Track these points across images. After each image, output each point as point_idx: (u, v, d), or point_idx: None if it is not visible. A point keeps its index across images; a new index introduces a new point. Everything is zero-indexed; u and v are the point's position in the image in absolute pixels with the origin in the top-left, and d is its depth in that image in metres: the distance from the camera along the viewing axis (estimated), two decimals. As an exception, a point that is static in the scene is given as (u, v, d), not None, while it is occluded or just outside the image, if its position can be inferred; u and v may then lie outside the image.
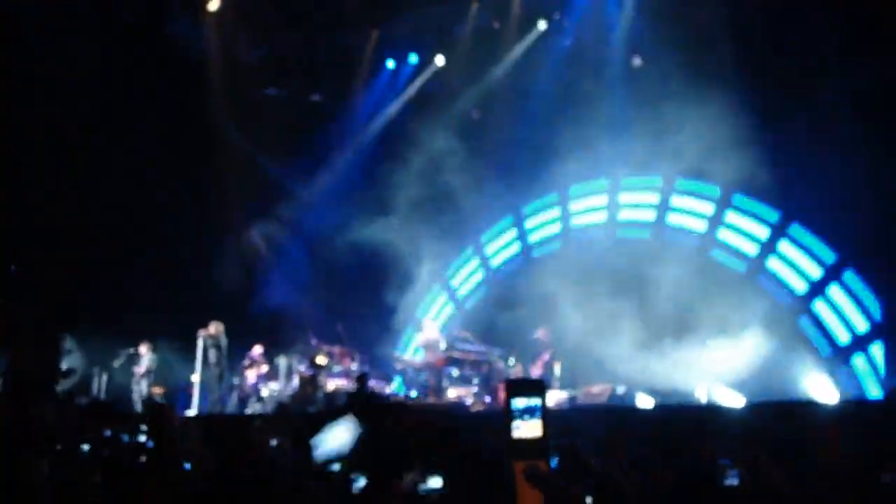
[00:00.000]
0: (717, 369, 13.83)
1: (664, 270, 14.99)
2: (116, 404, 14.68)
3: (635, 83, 16.19)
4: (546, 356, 15.17)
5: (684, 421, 10.35)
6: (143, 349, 16.63)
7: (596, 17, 16.78)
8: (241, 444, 6.74)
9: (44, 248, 16.27)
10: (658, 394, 13.62)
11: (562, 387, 14.54)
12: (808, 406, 10.78)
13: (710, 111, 14.17)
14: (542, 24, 17.59)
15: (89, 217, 16.78)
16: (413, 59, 19.28)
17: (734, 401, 12.68)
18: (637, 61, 16.67)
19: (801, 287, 15.17)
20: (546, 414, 4.86)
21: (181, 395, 16.78)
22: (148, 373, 16.56)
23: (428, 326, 15.68)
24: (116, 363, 16.63)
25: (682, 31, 15.34)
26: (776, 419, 8.85)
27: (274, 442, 6.75)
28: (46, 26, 15.70)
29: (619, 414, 12.19)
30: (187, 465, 5.86)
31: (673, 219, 16.88)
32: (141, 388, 16.51)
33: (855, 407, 10.42)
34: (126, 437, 7.59)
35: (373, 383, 15.49)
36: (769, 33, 14.76)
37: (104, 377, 16.75)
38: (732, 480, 4.90)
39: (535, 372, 15.11)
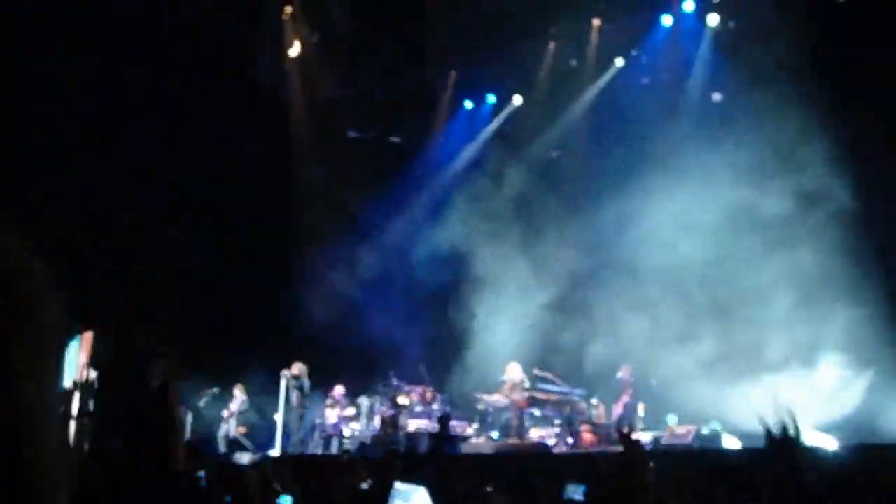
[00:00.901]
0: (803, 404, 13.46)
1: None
2: (203, 445, 14.85)
3: (714, 117, 16.02)
4: (627, 396, 14.99)
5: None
6: (237, 391, 16.80)
7: (674, 53, 16.69)
8: (328, 481, 6.79)
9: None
10: (744, 434, 13.31)
11: (646, 427, 14.34)
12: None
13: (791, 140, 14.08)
14: (619, 62, 17.54)
15: (177, 257, 17.15)
16: (491, 99, 19.36)
17: (825, 443, 12.29)
18: (717, 96, 16.52)
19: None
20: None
21: (264, 434, 16.93)
22: (237, 414, 16.73)
23: (511, 366, 15.61)
24: (202, 402, 16.79)
25: (762, 64, 15.20)
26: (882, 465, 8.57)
27: (365, 485, 6.78)
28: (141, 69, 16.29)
29: (706, 455, 11.97)
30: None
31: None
32: (228, 429, 16.67)
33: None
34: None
35: (454, 424, 15.43)
36: (850, 62, 14.50)
37: (189, 417, 16.95)
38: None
39: (617, 412, 14.94)
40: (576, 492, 6.05)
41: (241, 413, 16.76)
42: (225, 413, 16.78)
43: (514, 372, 15.46)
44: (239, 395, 16.80)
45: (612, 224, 18.09)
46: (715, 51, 16.30)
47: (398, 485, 4.77)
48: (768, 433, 3.39)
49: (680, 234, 15.54)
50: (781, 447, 3.37)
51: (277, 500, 6.58)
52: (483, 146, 19.94)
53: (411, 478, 6.57)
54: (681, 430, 13.86)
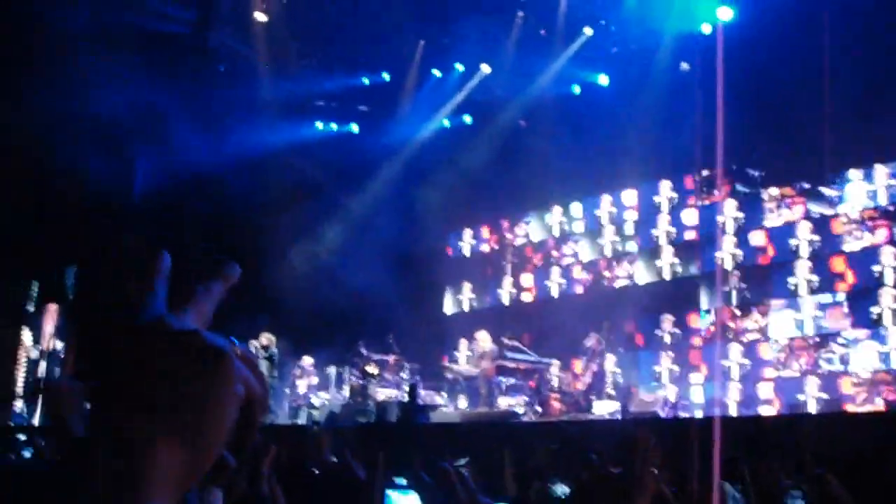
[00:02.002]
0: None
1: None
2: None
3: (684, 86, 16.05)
4: (595, 365, 15.08)
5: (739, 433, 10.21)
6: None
7: (643, 23, 16.65)
8: (298, 453, 6.78)
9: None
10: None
11: (613, 396, 14.46)
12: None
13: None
14: (588, 31, 17.48)
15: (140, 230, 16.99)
16: (459, 68, 19.26)
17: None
18: (684, 66, 16.54)
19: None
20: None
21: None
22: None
23: (480, 335, 15.64)
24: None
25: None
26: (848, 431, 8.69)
27: (334, 458, 6.77)
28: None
29: (672, 425, 12.08)
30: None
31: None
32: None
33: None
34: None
35: (423, 393, 15.47)
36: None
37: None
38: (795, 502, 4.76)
39: (586, 380, 15.03)
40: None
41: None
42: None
43: (484, 341, 15.50)
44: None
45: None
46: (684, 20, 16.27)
47: (389, 493, 4.76)
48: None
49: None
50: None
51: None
52: (450, 114, 19.97)
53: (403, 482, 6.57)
54: (649, 397, 14.00)
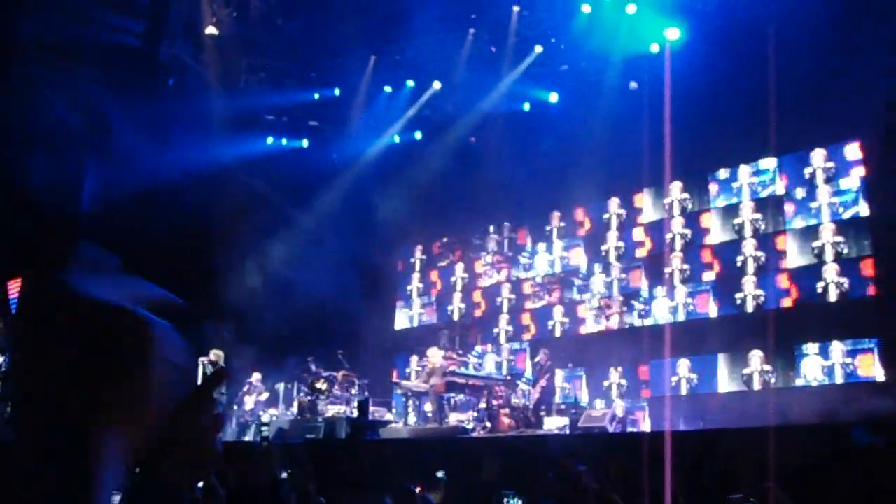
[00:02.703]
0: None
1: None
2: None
3: (630, 106, 16.24)
4: (545, 380, 15.15)
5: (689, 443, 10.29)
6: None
7: (593, 42, 16.83)
8: (249, 469, 6.72)
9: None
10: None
11: (563, 411, 14.53)
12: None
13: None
14: (538, 48, 17.62)
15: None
16: (410, 84, 19.29)
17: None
18: (633, 85, 16.74)
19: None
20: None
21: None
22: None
23: (431, 352, 15.66)
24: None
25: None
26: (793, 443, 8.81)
27: (284, 474, 6.73)
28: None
29: (619, 440, 12.17)
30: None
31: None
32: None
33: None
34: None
35: (373, 409, 15.43)
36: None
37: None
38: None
39: (535, 395, 15.08)
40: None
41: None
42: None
43: (435, 357, 15.51)
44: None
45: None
46: (633, 41, 16.47)
47: None
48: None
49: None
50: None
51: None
52: (401, 131, 20.02)
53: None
54: (597, 413, 14.07)
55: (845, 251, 14.46)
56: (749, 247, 15.55)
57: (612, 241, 17.55)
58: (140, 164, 16.98)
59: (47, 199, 15.94)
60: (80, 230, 17.55)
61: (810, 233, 14.94)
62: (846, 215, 14.62)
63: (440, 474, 7.53)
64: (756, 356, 14.82)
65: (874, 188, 14.28)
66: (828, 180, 14.90)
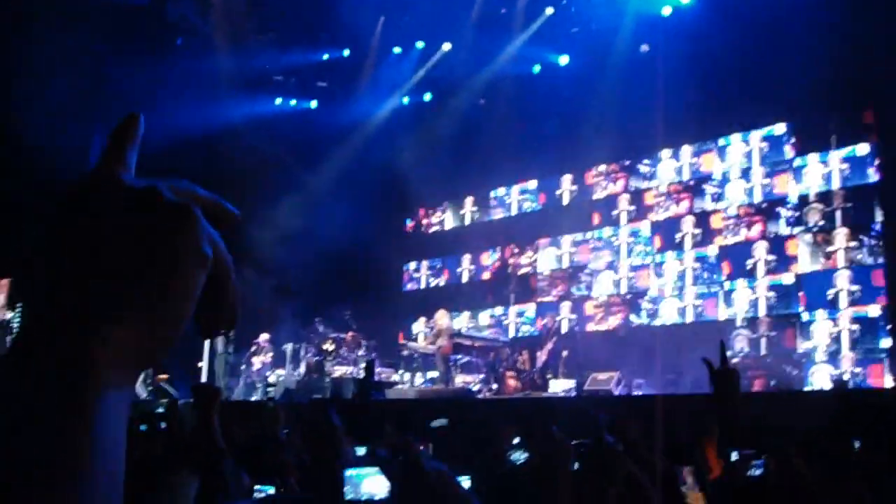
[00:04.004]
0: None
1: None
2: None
3: (641, 69, 16.13)
4: (551, 343, 15.16)
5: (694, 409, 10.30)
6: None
7: (604, 4, 16.70)
8: (253, 429, 6.76)
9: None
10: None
11: (568, 374, 14.54)
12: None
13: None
14: (549, 10, 17.48)
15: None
16: (419, 45, 19.18)
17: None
18: (645, 48, 16.60)
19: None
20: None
21: (186, 381, 16.77)
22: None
23: (440, 313, 15.68)
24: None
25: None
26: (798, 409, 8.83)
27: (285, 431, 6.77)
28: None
29: (627, 402, 12.19)
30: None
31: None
32: (146, 375, 16.48)
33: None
34: (143, 427, 7.58)
35: (380, 370, 15.48)
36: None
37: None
38: (756, 471, 4.84)
39: (542, 359, 15.09)
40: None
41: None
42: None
43: (443, 319, 15.54)
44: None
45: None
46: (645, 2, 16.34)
47: (348, 472, 4.64)
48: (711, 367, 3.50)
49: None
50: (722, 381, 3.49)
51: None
52: (410, 92, 19.95)
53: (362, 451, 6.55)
54: (603, 376, 14.07)
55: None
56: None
57: (624, 204, 17.50)
58: (149, 125, 16.89)
59: (56, 164, 15.94)
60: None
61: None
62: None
63: (438, 423, 7.55)
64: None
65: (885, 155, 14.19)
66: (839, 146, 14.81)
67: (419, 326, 19.59)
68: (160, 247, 0.70)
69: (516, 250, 19.10)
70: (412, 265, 21.04)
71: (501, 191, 19.71)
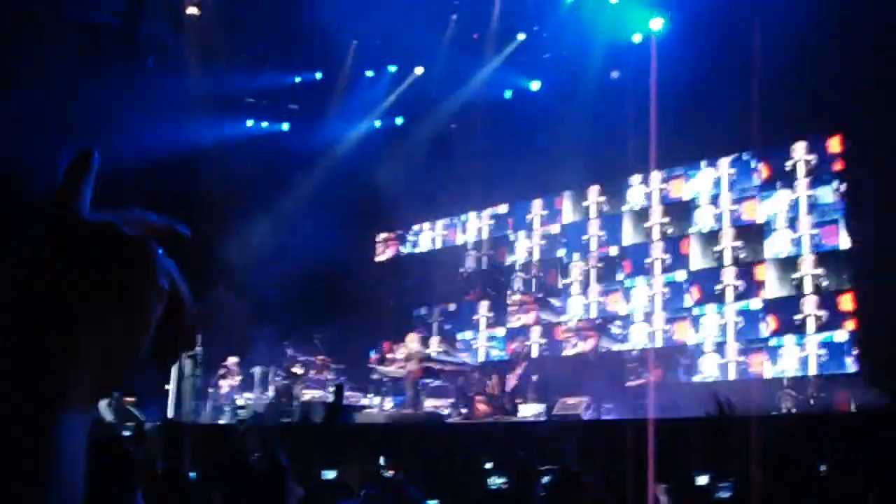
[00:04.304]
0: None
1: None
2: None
3: (612, 95, 16.24)
4: (521, 368, 15.16)
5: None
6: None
7: (575, 31, 16.83)
8: (225, 451, 6.70)
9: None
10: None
11: (538, 399, 14.54)
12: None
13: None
14: (521, 36, 17.60)
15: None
16: (392, 69, 19.24)
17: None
18: (615, 74, 16.74)
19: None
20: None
21: (153, 404, 16.61)
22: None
23: (409, 337, 15.65)
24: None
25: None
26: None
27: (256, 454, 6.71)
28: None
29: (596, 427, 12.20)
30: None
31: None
32: (106, 399, 16.28)
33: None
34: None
35: (349, 394, 15.42)
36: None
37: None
38: (724, 493, 4.85)
39: (511, 383, 15.09)
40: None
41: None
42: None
43: (412, 342, 15.51)
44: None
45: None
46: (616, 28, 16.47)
47: None
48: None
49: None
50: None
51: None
52: (381, 116, 19.99)
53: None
54: (573, 401, 14.07)
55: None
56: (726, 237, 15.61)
57: (594, 229, 17.53)
58: (119, 145, 16.87)
59: (21, 180, 15.81)
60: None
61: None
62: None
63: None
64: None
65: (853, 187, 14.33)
66: (809, 174, 14.92)
67: (389, 350, 19.54)
68: (118, 282, 0.73)
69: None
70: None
71: (472, 215, 19.69)
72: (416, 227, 20.73)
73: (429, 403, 15.09)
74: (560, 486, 3.53)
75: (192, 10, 17.41)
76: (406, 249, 20.96)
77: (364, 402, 15.79)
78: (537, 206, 18.57)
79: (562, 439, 6.93)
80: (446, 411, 14.72)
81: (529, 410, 14.08)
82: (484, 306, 18.88)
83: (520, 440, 10.49)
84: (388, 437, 12.00)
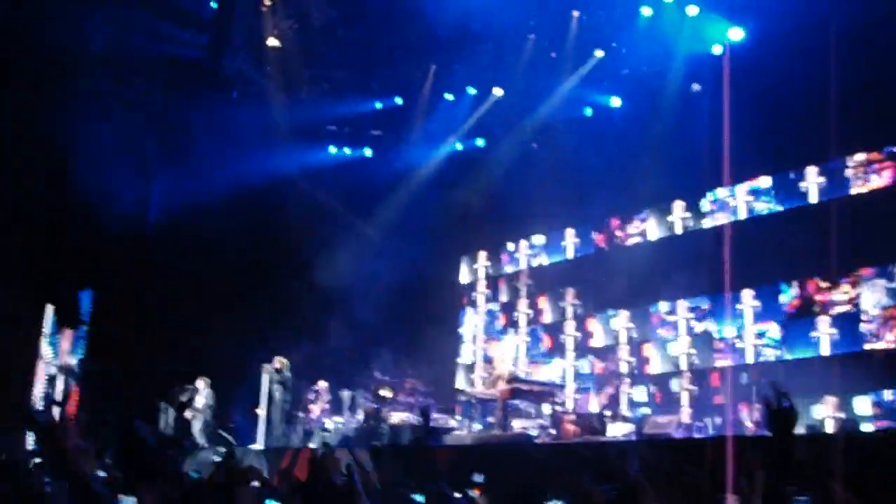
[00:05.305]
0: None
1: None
2: (184, 439, 14.82)
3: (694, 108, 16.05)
4: (612, 387, 15.03)
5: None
6: (201, 384, 16.75)
7: (654, 45, 16.69)
8: (311, 473, 6.78)
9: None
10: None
11: (627, 418, 14.37)
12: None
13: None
14: (599, 53, 17.51)
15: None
16: (471, 91, 19.31)
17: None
18: (696, 87, 16.52)
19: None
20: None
21: (245, 428, 16.92)
22: (207, 407, 16.68)
23: (497, 359, 15.59)
24: (183, 397, 16.75)
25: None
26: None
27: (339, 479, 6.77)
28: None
29: (686, 446, 11.98)
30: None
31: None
32: (200, 423, 16.62)
33: None
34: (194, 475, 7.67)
35: (437, 416, 15.42)
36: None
37: (170, 412, 16.87)
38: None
39: (602, 401, 14.93)
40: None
41: (210, 406, 16.70)
42: (194, 407, 16.68)
43: (500, 364, 15.46)
44: (203, 388, 16.75)
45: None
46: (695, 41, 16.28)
47: None
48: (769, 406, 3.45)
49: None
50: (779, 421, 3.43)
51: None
52: (463, 138, 20.09)
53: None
54: (663, 419, 13.86)
55: None
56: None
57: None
58: (206, 175, 17.31)
59: (116, 211, 16.33)
60: (147, 242, 17.95)
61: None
62: None
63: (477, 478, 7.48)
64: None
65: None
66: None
67: (478, 371, 19.54)
68: None
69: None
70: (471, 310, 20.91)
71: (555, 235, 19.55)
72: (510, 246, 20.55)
73: (517, 424, 15.01)
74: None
75: (272, 42, 17.76)
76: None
77: (452, 423, 15.77)
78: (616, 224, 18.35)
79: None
80: (535, 432, 14.62)
81: (618, 430, 13.90)
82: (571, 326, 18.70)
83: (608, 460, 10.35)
84: (475, 459, 11.95)
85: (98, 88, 16.23)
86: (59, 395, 16.81)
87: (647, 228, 17.76)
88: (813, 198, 15.19)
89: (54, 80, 15.49)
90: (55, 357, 17.26)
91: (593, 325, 18.25)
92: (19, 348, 16.24)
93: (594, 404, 14.98)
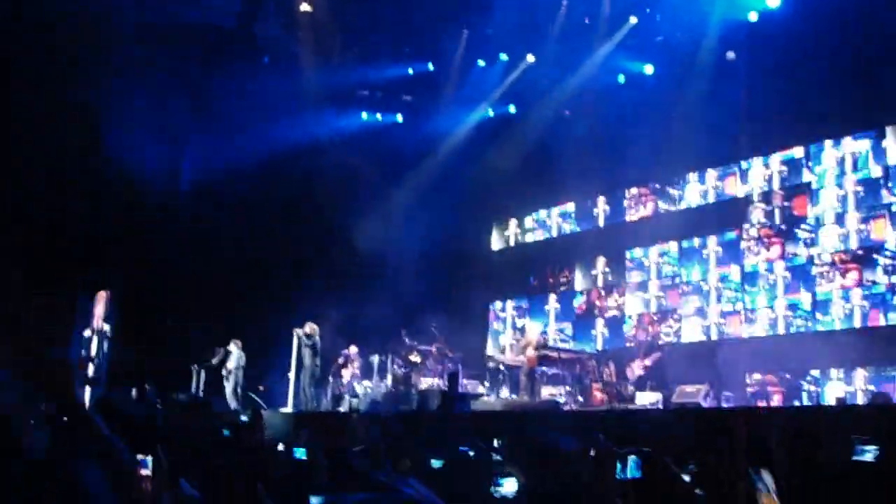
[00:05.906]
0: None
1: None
2: (214, 401, 14.98)
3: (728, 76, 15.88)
4: (650, 359, 14.87)
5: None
6: (233, 347, 16.91)
7: (688, 12, 16.48)
8: (338, 440, 6.87)
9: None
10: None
11: (655, 387, 14.33)
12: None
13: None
14: (633, 19, 17.32)
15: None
16: (503, 57, 19.19)
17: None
18: (731, 55, 16.31)
19: None
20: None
21: (276, 392, 17.10)
22: (238, 369, 16.85)
23: (529, 325, 15.63)
24: (214, 360, 16.94)
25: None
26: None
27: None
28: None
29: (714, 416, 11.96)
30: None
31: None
32: (231, 385, 16.80)
33: None
34: (227, 432, 7.75)
35: (466, 382, 15.51)
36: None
37: (202, 374, 17.08)
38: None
39: (638, 372, 14.88)
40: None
41: (241, 368, 16.87)
42: (226, 369, 16.87)
43: (530, 331, 15.49)
44: (235, 351, 16.91)
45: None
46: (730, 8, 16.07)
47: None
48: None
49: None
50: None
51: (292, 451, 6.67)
52: (494, 105, 20.00)
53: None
54: (691, 388, 13.83)
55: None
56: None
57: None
58: (237, 141, 17.40)
59: (149, 177, 16.48)
60: (180, 208, 18.11)
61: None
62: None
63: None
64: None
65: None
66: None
67: (506, 338, 19.58)
68: None
69: (602, 292, 18.76)
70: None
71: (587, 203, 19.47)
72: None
73: (545, 391, 15.06)
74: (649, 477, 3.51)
75: (304, 7, 17.72)
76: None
77: (480, 389, 15.84)
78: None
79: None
80: (563, 399, 14.67)
81: (646, 398, 13.91)
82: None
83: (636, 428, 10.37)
84: (501, 425, 12.00)
85: (129, 59, 16.30)
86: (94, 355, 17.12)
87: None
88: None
89: (86, 49, 15.57)
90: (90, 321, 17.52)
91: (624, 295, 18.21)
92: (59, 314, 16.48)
93: (632, 373, 14.88)
